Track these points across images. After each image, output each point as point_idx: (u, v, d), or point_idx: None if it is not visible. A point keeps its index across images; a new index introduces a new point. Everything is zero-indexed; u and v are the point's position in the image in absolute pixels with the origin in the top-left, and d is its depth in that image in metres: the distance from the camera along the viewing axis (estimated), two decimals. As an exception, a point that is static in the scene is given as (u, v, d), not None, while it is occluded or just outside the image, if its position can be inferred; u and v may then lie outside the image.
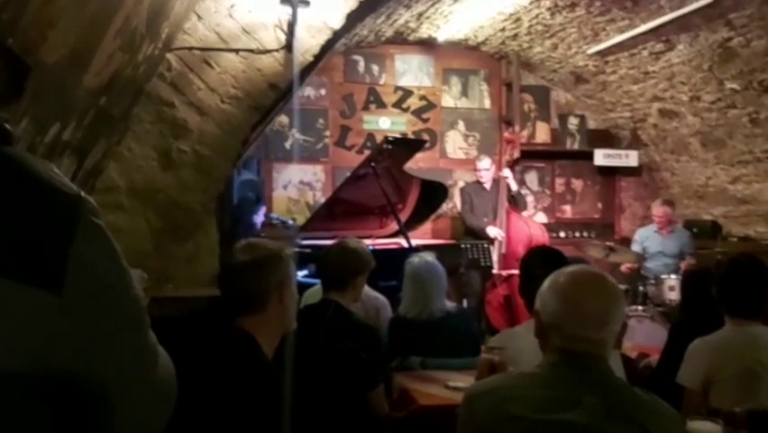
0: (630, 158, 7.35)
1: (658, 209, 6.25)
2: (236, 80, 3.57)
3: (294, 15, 3.49)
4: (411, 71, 7.30)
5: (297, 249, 4.63)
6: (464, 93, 7.47)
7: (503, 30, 6.61)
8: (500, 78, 7.50)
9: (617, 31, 5.82)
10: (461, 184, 7.16)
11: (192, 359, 1.78)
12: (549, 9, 5.81)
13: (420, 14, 6.23)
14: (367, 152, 6.40)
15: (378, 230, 5.69)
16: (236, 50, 3.50)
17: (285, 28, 3.53)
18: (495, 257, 6.14)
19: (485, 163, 6.53)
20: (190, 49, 3.42)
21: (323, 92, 7.08)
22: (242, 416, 1.73)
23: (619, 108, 7.20)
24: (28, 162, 0.87)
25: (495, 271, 6.15)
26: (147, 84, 3.35)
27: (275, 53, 3.56)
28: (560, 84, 7.54)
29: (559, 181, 7.70)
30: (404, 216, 5.62)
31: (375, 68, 7.20)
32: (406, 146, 5.98)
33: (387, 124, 7.23)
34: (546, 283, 1.70)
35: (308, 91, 6.96)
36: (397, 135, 6.78)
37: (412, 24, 6.54)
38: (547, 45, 6.68)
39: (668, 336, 3.46)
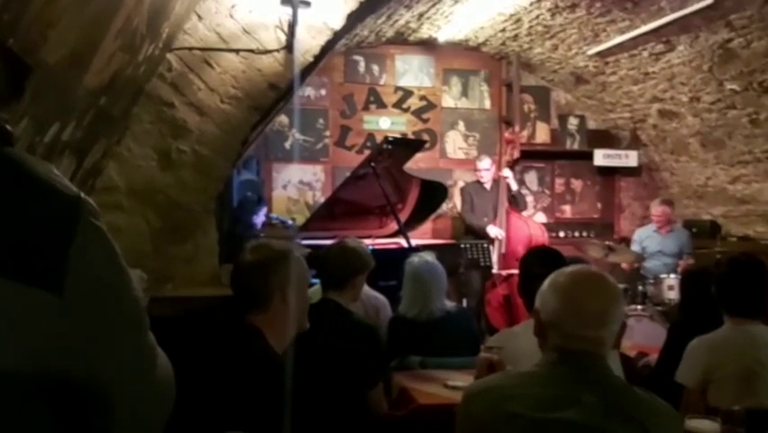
0: (630, 158, 7.36)
1: (657, 209, 6.26)
2: (236, 80, 3.58)
3: (294, 16, 3.50)
4: (411, 71, 7.31)
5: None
6: (464, 93, 7.48)
7: (503, 30, 6.61)
8: (500, 79, 7.51)
9: (618, 32, 5.82)
10: (460, 184, 7.16)
11: (203, 352, 1.86)
12: (549, 10, 5.81)
13: (421, 15, 6.23)
14: (367, 152, 6.40)
15: (377, 230, 5.70)
16: (236, 51, 3.51)
17: (285, 28, 3.54)
18: (495, 257, 6.15)
19: (485, 163, 6.54)
20: (190, 49, 3.43)
21: (323, 92, 7.08)
22: (245, 405, 1.75)
23: (619, 109, 7.20)
24: (28, 163, 0.87)
25: (495, 270, 6.16)
26: (147, 84, 3.35)
27: (275, 53, 3.57)
28: (560, 84, 7.54)
29: (558, 181, 7.71)
30: (404, 216, 5.63)
31: (375, 68, 7.20)
32: (406, 146, 5.99)
33: (387, 124, 7.24)
34: (546, 282, 1.70)
35: (308, 91, 6.96)
36: (397, 135, 6.80)
37: (413, 25, 6.55)
38: (547, 46, 6.68)
39: (667, 336, 3.47)
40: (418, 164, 6.69)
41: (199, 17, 3.41)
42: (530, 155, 7.33)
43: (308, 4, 3.50)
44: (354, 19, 3.86)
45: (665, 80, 6.17)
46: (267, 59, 3.58)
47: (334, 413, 1.95)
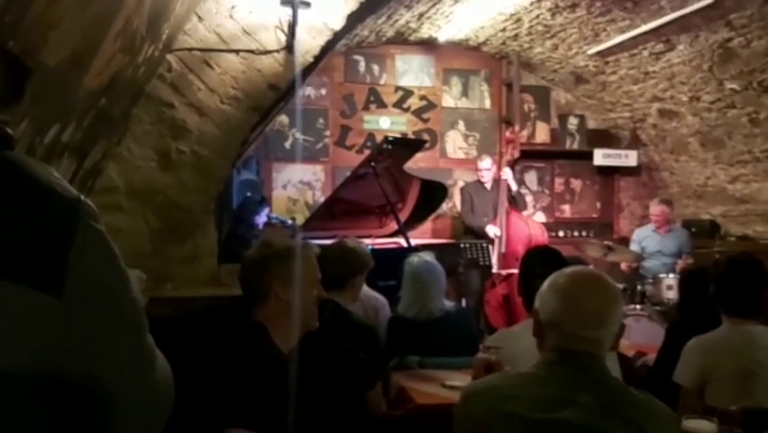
0: (629, 158, 7.36)
1: (655, 208, 6.26)
2: (236, 81, 3.58)
3: (294, 16, 3.50)
4: (412, 71, 7.31)
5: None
6: (465, 93, 7.48)
7: (504, 30, 6.61)
8: (501, 79, 7.51)
9: (618, 31, 5.83)
10: (460, 184, 7.16)
11: (208, 352, 1.88)
12: (550, 9, 5.81)
13: (421, 15, 6.23)
14: (367, 152, 6.41)
15: (377, 230, 5.70)
16: (236, 51, 3.52)
17: (285, 29, 3.54)
18: (494, 256, 6.15)
19: (486, 163, 6.54)
20: (190, 50, 3.43)
21: (323, 92, 7.09)
22: (248, 404, 1.77)
23: (619, 108, 7.21)
24: (28, 166, 0.88)
25: (494, 270, 6.16)
26: (147, 85, 3.36)
27: (275, 54, 3.58)
28: (560, 84, 7.55)
29: (558, 181, 7.71)
30: (403, 216, 5.63)
31: (375, 68, 7.21)
32: (406, 146, 5.99)
33: (387, 123, 7.24)
34: (546, 283, 1.71)
35: (309, 91, 6.97)
36: (398, 135, 6.80)
37: (413, 25, 6.55)
38: (548, 45, 6.69)
39: (665, 336, 3.47)
40: (418, 164, 6.69)
41: (199, 18, 3.41)
42: (530, 155, 7.33)
43: (308, 5, 3.50)
44: (354, 19, 3.86)
45: (665, 80, 6.17)
46: (267, 60, 3.58)
47: (333, 413, 1.96)
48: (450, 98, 7.44)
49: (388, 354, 3.29)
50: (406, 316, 3.47)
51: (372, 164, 5.16)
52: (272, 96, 3.75)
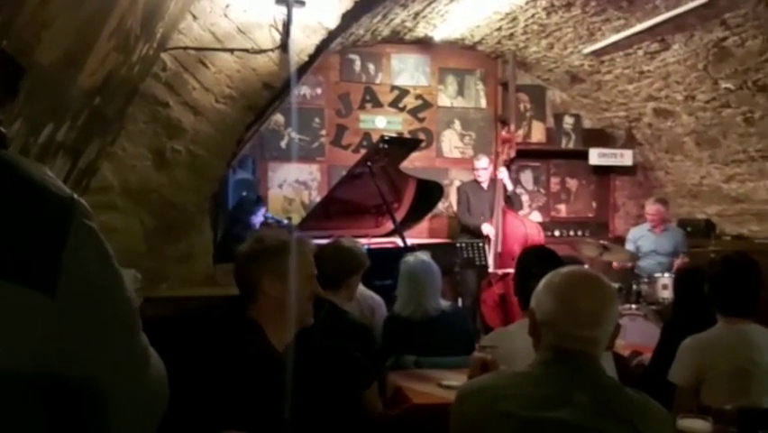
0: (625, 157, 7.38)
1: (651, 207, 6.27)
2: (231, 80, 3.57)
3: (289, 15, 3.50)
4: (407, 70, 7.31)
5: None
6: (460, 92, 7.49)
7: (499, 29, 6.62)
8: (496, 78, 7.52)
9: (613, 30, 5.84)
10: (456, 183, 7.17)
11: (204, 351, 1.87)
12: (545, 9, 5.82)
13: (416, 14, 6.23)
14: (363, 152, 6.41)
15: (373, 229, 5.70)
16: (231, 50, 3.51)
17: (280, 28, 3.54)
18: (490, 256, 6.16)
19: (483, 162, 6.55)
20: (185, 48, 3.42)
21: (319, 91, 7.08)
22: (242, 403, 1.76)
23: (614, 108, 7.22)
24: (21, 165, 0.88)
25: (491, 269, 6.17)
26: (141, 84, 3.35)
27: (270, 53, 3.57)
28: (555, 83, 7.56)
29: (554, 180, 7.73)
30: (399, 216, 5.63)
31: (371, 67, 7.20)
32: (402, 146, 5.99)
33: (383, 123, 7.24)
34: (542, 283, 1.72)
35: (304, 90, 6.97)
36: (393, 135, 6.80)
37: (408, 24, 6.55)
38: (543, 45, 6.69)
39: (660, 335, 3.47)
40: (414, 163, 6.70)
41: (194, 17, 3.40)
42: (526, 154, 7.34)
43: (303, 4, 3.50)
44: (349, 18, 3.86)
45: (660, 79, 6.18)
46: (262, 59, 3.57)
47: (329, 413, 1.96)
48: (446, 98, 7.45)
49: (385, 354, 3.29)
50: (402, 315, 3.47)
51: (368, 164, 5.16)
52: (267, 96, 3.75)
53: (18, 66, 1.85)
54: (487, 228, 6.27)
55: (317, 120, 7.08)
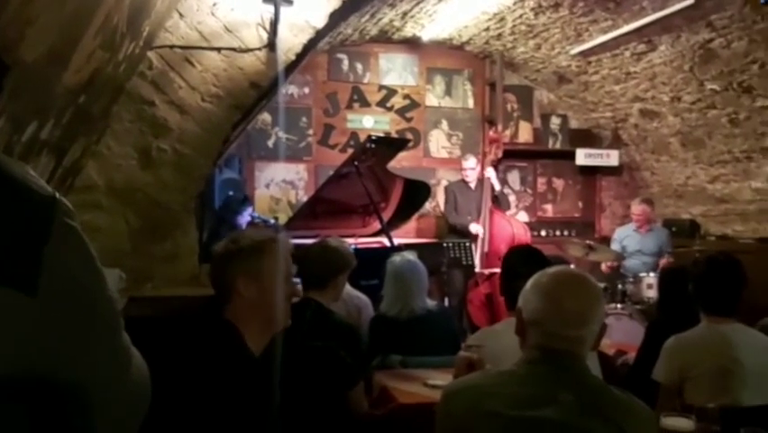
0: (611, 157, 7.42)
1: (637, 207, 6.31)
2: (217, 79, 3.56)
3: (276, 14, 3.49)
4: (395, 70, 7.31)
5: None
6: (448, 92, 7.50)
7: (487, 30, 6.63)
8: (484, 78, 7.53)
9: (600, 31, 5.86)
10: (444, 183, 7.19)
11: (180, 353, 1.81)
12: (533, 9, 5.83)
13: (405, 13, 6.24)
14: (350, 151, 6.40)
15: (360, 229, 5.70)
16: (218, 49, 3.50)
17: (267, 27, 3.53)
18: (477, 256, 6.17)
19: (471, 162, 6.57)
20: (171, 47, 3.41)
21: (306, 90, 7.07)
22: (219, 406, 1.73)
23: (601, 108, 7.25)
24: (2, 164, 0.87)
25: (477, 269, 6.18)
26: (127, 82, 3.34)
27: (257, 52, 3.56)
28: (543, 84, 7.58)
29: (541, 180, 7.76)
30: (386, 215, 5.63)
31: (359, 66, 7.20)
32: (390, 145, 6.00)
33: (370, 122, 7.24)
34: (529, 282, 1.73)
35: (292, 89, 6.95)
36: (381, 134, 6.80)
37: (396, 23, 6.55)
38: (531, 45, 6.72)
39: (645, 334, 3.50)
40: (402, 163, 6.70)
41: (181, 15, 3.39)
42: (513, 154, 7.36)
43: (291, 3, 3.49)
44: (337, 17, 3.85)
45: (647, 80, 6.22)
46: (249, 58, 3.57)
47: (314, 413, 1.95)
48: (433, 97, 7.45)
49: (371, 354, 3.30)
50: (388, 315, 3.47)
51: (355, 163, 5.16)
52: (254, 95, 3.74)
53: (2, 63, 1.83)
54: (475, 228, 6.28)
55: (305, 119, 7.07)
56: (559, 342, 1.62)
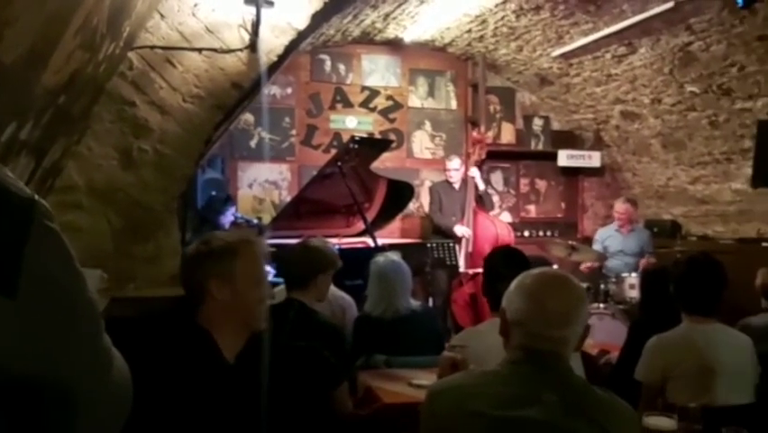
0: (593, 159, 7.48)
1: (621, 206, 6.36)
2: (199, 79, 3.54)
3: (258, 15, 3.48)
4: (378, 71, 7.32)
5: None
6: (431, 93, 7.51)
7: (469, 31, 6.66)
8: (466, 79, 7.56)
9: (581, 34, 5.90)
10: (427, 184, 7.20)
11: (155, 357, 1.76)
12: (514, 12, 5.86)
13: (387, 15, 6.24)
14: (333, 152, 6.40)
15: (344, 229, 5.70)
16: (199, 50, 3.48)
17: (249, 28, 3.52)
18: (461, 256, 6.19)
19: (455, 163, 6.58)
20: (152, 48, 3.39)
21: (289, 91, 7.06)
22: (191, 413, 1.70)
23: (583, 110, 7.30)
24: (-20, 165, 0.86)
25: (461, 269, 6.20)
26: (108, 83, 3.31)
27: (238, 53, 3.55)
28: (525, 86, 7.62)
29: (523, 181, 7.80)
30: (370, 216, 5.64)
31: (342, 67, 7.19)
32: (373, 146, 6.00)
33: (353, 123, 7.24)
34: (513, 283, 1.74)
35: (275, 90, 6.93)
36: (364, 135, 6.80)
37: (379, 25, 6.55)
38: (512, 47, 6.75)
39: (627, 334, 3.53)
40: (385, 164, 6.70)
41: (162, 16, 3.37)
42: (495, 155, 7.38)
43: (272, 4, 3.48)
44: (319, 19, 3.84)
45: (627, 82, 6.27)
46: (230, 59, 3.55)
47: (298, 413, 1.94)
48: (416, 99, 7.47)
49: (355, 354, 3.30)
50: (372, 315, 3.47)
51: (339, 164, 5.16)
52: (236, 95, 3.72)
53: (-21, 63, 1.81)
54: (461, 230, 6.30)
55: (287, 120, 7.05)
56: (542, 342, 1.63)
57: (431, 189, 6.82)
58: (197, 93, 3.57)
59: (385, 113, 7.35)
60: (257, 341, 1.90)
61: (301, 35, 3.79)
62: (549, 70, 6.94)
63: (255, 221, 5.93)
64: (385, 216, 5.93)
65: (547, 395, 1.56)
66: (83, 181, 3.39)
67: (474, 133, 6.98)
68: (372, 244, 5.13)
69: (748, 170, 5.28)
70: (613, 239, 6.37)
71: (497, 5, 5.78)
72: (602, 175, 7.79)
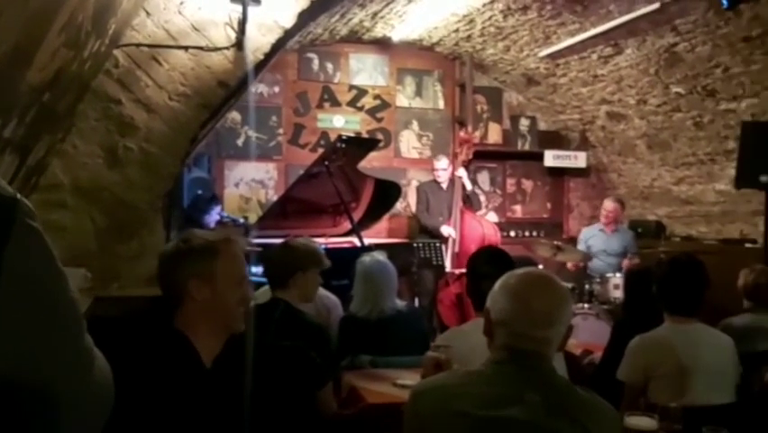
0: (579, 159, 7.51)
1: (609, 204, 6.40)
2: (185, 77, 3.53)
3: (244, 13, 3.47)
4: (366, 70, 7.31)
5: (247, 247, 4.59)
6: (418, 93, 7.52)
7: (457, 31, 6.67)
8: (454, 79, 7.57)
9: (568, 34, 5.93)
10: (414, 183, 7.21)
11: (134, 358, 1.72)
12: (502, 12, 5.88)
13: (375, 14, 6.24)
14: (321, 151, 6.40)
15: (331, 229, 5.70)
16: (185, 48, 3.47)
17: (235, 26, 3.51)
18: (447, 256, 6.21)
19: (443, 163, 6.60)
20: (138, 45, 3.38)
21: (276, 89, 7.04)
22: (166, 414, 1.68)
23: (569, 110, 7.34)
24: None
25: (448, 269, 6.22)
26: (93, 80, 3.29)
27: (225, 51, 3.54)
28: (512, 86, 7.65)
29: (510, 181, 7.82)
30: (357, 215, 5.64)
31: (329, 66, 7.19)
32: (360, 145, 6.00)
33: (341, 122, 7.23)
34: (498, 283, 1.74)
35: (262, 88, 6.92)
36: (351, 134, 6.80)
37: (367, 24, 6.55)
38: (500, 47, 6.76)
39: (611, 334, 3.55)
40: (372, 163, 6.71)
41: (147, 13, 3.36)
42: (482, 155, 7.41)
43: (258, 2, 3.47)
44: (306, 17, 3.84)
45: (613, 83, 6.31)
46: (216, 57, 3.54)
47: (282, 413, 1.93)
48: (404, 98, 7.47)
49: (341, 354, 3.29)
50: (358, 315, 3.47)
51: (326, 163, 5.16)
52: (222, 94, 3.72)
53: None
54: (447, 230, 6.32)
55: (274, 118, 7.04)
56: (526, 342, 1.63)
57: (418, 189, 6.83)
58: (183, 91, 3.57)
59: (372, 112, 7.35)
60: (237, 343, 1.85)
61: (288, 33, 3.79)
62: (536, 71, 6.96)
63: (241, 220, 5.92)
64: (372, 215, 5.94)
65: (530, 395, 1.57)
66: (68, 180, 3.37)
67: (461, 133, 7.00)
68: (359, 244, 5.13)
69: (732, 171, 5.31)
70: (596, 238, 6.41)
71: (484, 5, 5.79)
72: (588, 176, 7.82)
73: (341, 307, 3.69)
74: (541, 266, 5.15)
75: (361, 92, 7.31)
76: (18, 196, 0.88)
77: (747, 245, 5.55)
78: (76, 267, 2.96)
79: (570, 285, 5.17)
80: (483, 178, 7.71)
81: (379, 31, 6.80)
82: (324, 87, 7.19)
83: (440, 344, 2.41)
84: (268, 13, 3.57)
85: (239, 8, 3.46)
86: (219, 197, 6.37)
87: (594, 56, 6.09)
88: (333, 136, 6.77)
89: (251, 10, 3.46)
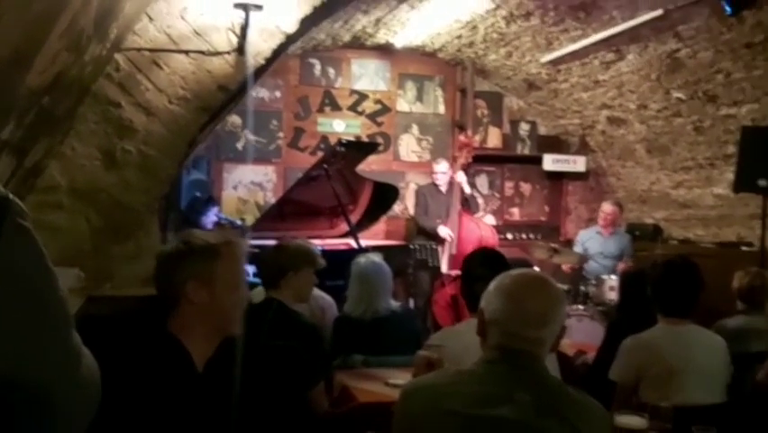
0: (578, 163, 7.49)
1: (608, 207, 6.42)
2: (185, 81, 3.55)
3: (247, 19, 3.46)
4: (367, 75, 7.33)
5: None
6: (419, 98, 7.54)
7: (459, 37, 6.67)
8: (455, 84, 7.58)
9: (570, 40, 5.93)
10: (412, 186, 7.22)
11: (123, 362, 1.68)
12: (504, 18, 5.88)
13: (378, 20, 6.25)
14: (320, 154, 6.42)
15: (328, 231, 5.72)
16: (186, 52, 3.48)
17: (237, 31, 3.52)
18: (443, 257, 6.23)
19: (442, 167, 6.60)
20: (139, 50, 3.39)
21: (278, 94, 7.06)
22: (160, 421, 1.66)
23: (569, 115, 7.34)
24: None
25: (444, 270, 6.23)
26: (93, 84, 3.31)
27: (226, 55, 3.55)
28: (513, 90, 7.65)
29: (508, 185, 7.82)
30: (355, 218, 5.66)
31: (331, 71, 7.21)
32: (360, 149, 6.03)
33: (341, 126, 7.25)
34: (492, 284, 1.75)
35: (263, 93, 6.93)
36: (351, 138, 6.81)
37: (369, 30, 6.56)
38: (502, 53, 6.77)
39: (605, 335, 3.57)
40: (371, 166, 6.72)
41: (150, 19, 3.37)
42: (481, 159, 7.39)
43: (260, 8, 3.48)
44: (308, 23, 3.85)
45: (614, 88, 6.31)
46: (217, 61, 3.56)
47: (273, 413, 1.94)
48: (404, 103, 7.49)
49: (334, 354, 3.31)
50: (352, 315, 3.50)
51: (325, 166, 5.18)
52: (222, 97, 3.73)
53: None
54: (444, 231, 6.33)
55: (275, 122, 7.06)
56: (519, 342, 1.64)
57: (417, 192, 6.84)
58: (183, 95, 3.58)
59: (373, 116, 7.37)
60: (229, 345, 1.81)
61: (290, 39, 3.80)
62: (537, 76, 6.97)
63: (238, 222, 5.94)
64: (369, 217, 5.96)
65: (520, 394, 1.57)
66: (65, 182, 3.39)
67: (461, 137, 7.01)
68: (355, 246, 5.15)
69: (730, 176, 5.32)
70: (593, 241, 6.42)
71: (487, 12, 5.80)
72: (586, 179, 7.81)
73: (335, 307, 3.71)
74: (537, 268, 5.16)
75: (362, 97, 7.32)
76: (10, 195, 0.88)
77: (744, 248, 5.54)
78: (69, 267, 2.98)
79: (565, 287, 5.18)
80: (482, 181, 7.72)
81: (382, 37, 6.81)
82: (326, 92, 7.20)
83: (433, 343, 2.43)
84: (270, 18, 3.57)
85: (241, 14, 3.45)
86: (217, 199, 6.39)
87: (596, 62, 6.09)
88: (333, 140, 6.79)
89: (254, 15, 3.45)
